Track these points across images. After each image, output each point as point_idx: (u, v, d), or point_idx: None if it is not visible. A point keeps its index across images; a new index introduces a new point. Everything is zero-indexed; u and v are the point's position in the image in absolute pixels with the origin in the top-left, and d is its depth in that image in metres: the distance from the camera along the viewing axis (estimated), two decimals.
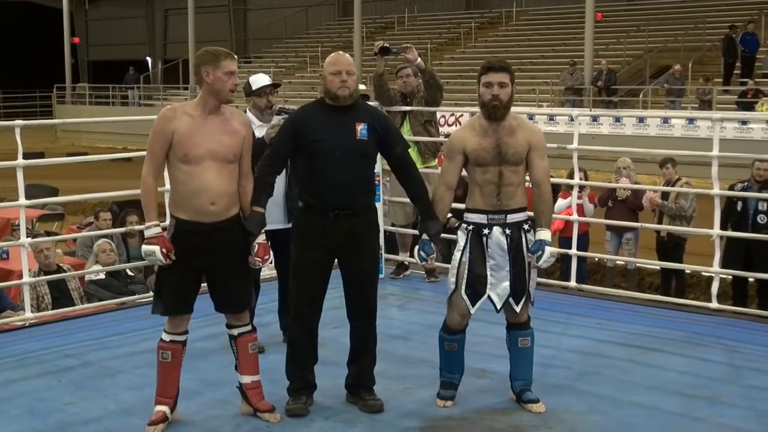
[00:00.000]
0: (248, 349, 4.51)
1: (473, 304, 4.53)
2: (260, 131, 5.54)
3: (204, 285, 4.47)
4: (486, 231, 4.51)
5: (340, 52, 4.66)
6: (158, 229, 4.26)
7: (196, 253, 4.29)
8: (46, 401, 4.81)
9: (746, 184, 8.33)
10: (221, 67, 4.26)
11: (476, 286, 4.51)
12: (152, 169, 4.30)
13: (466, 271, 4.52)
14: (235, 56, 4.41)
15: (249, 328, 4.53)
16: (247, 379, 4.52)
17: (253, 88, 5.65)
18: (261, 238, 4.40)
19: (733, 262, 7.77)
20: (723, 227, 7.77)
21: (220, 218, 4.30)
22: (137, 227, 8.58)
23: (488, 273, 4.52)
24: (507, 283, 4.53)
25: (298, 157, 4.58)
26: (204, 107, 4.30)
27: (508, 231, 4.52)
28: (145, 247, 4.27)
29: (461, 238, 4.56)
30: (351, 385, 4.71)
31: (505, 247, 4.52)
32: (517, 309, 4.58)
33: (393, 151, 4.64)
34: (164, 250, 4.23)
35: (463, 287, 4.52)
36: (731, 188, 8.24)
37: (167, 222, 4.55)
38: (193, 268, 4.33)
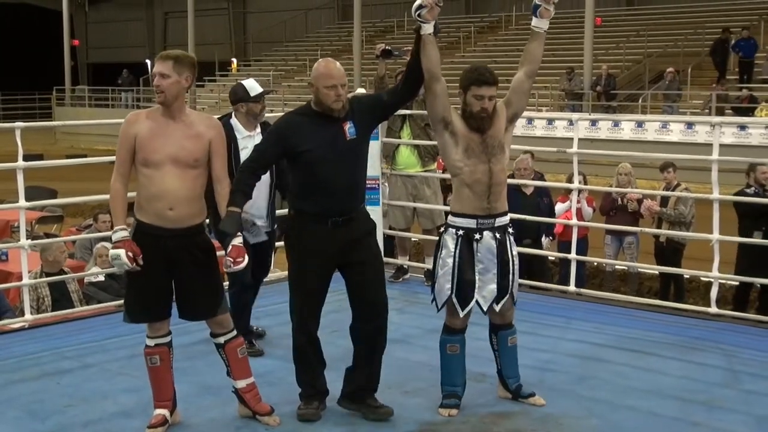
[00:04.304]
0: (238, 354, 4.47)
1: (462, 309, 4.56)
2: (246, 142, 5.45)
3: None
4: (477, 236, 4.53)
5: (330, 60, 4.54)
6: (125, 233, 4.25)
7: (157, 259, 4.26)
8: (45, 403, 4.81)
9: (754, 188, 8.24)
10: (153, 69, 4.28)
11: (466, 291, 4.54)
12: (119, 174, 4.31)
13: (456, 277, 4.53)
14: (166, 56, 4.26)
15: (234, 333, 4.49)
16: (242, 384, 4.50)
17: (252, 94, 5.54)
18: (237, 240, 4.27)
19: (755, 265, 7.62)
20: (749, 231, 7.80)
21: (180, 225, 4.26)
22: None
23: (476, 277, 4.54)
24: (493, 286, 4.56)
25: (290, 167, 4.53)
26: (164, 111, 4.28)
27: (497, 235, 4.56)
28: (111, 251, 4.27)
29: (450, 242, 4.55)
30: (356, 390, 4.62)
31: (495, 251, 4.55)
32: (500, 309, 4.61)
33: (383, 102, 4.66)
34: (130, 254, 4.20)
35: (454, 292, 4.54)
36: (739, 193, 8.21)
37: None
38: (157, 274, 4.29)
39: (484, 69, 4.56)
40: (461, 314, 4.57)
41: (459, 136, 4.49)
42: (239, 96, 5.56)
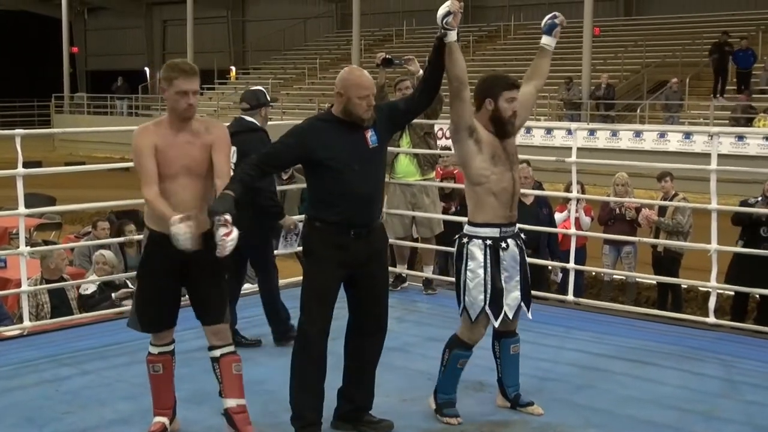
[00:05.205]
0: (232, 370, 4.35)
1: (497, 318, 4.58)
2: None
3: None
4: (503, 245, 4.56)
5: (357, 68, 4.46)
6: (176, 216, 4.04)
7: (171, 267, 4.22)
8: (43, 410, 4.81)
9: (759, 199, 8.31)
10: (173, 86, 4.16)
11: (498, 301, 4.56)
12: (152, 182, 4.18)
13: (489, 287, 4.54)
14: (192, 71, 4.21)
15: (232, 348, 4.39)
16: (232, 403, 4.35)
17: (269, 99, 6.04)
18: (225, 216, 3.99)
19: (743, 275, 7.71)
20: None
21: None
22: (136, 237, 8.62)
23: (504, 286, 4.58)
24: (517, 293, 4.61)
25: (309, 174, 4.42)
26: (172, 123, 4.23)
27: (518, 241, 4.63)
28: (171, 233, 4.03)
29: (478, 253, 4.54)
30: (351, 410, 4.54)
31: (518, 258, 4.60)
32: (529, 315, 4.70)
33: (401, 110, 4.58)
34: (190, 224, 4.00)
35: (488, 303, 4.55)
36: (744, 203, 8.25)
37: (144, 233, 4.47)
38: (170, 281, 4.27)
39: (506, 75, 4.66)
40: (496, 324, 4.59)
41: (484, 144, 4.51)
42: (262, 101, 5.98)
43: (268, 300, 6.04)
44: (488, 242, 4.54)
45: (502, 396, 4.84)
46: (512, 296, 4.59)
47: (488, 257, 4.53)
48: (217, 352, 4.36)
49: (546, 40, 4.85)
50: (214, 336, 4.37)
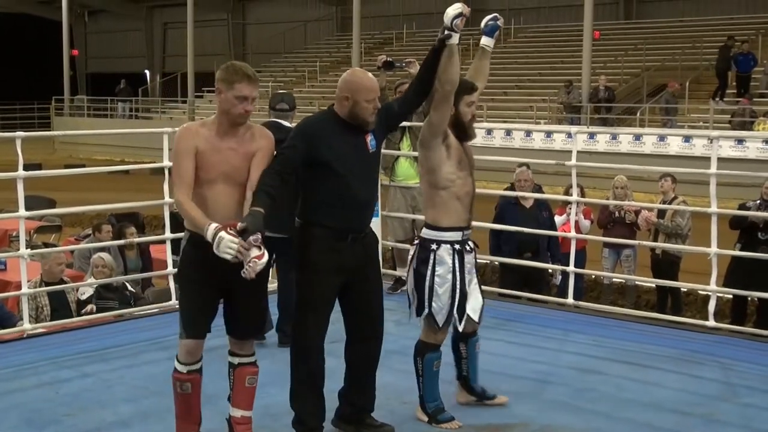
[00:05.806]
0: (245, 382, 4.23)
1: (460, 322, 4.61)
2: None
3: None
4: (467, 248, 4.60)
5: (361, 70, 4.40)
6: (216, 224, 3.89)
7: (210, 271, 4.06)
8: (43, 412, 4.81)
9: (758, 202, 8.34)
10: (234, 89, 4.03)
11: (463, 305, 4.59)
12: (186, 186, 4.03)
13: (458, 292, 4.55)
14: (257, 79, 4.11)
15: (252, 359, 4.27)
16: (237, 413, 4.25)
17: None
18: (255, 236, 3.88)
19: (741, 279, 7.75)
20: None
21: None
22: (136, 240, 8.66)
23: (468, 290, 4.61)
24: (478, 295, 4.66)
25: (309, 175, 4.31)
26: (220, 126, 4.11)
27: (472, 245, 4.68)
28: (218, 240, 3.84)
29: (447, 258, 4.52)
30: (353, 412, 4.53)
31: (473, 261, 4.66)
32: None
33: (395, 112, 4.51)
34: (229, 230, 3.85)
35: (456, 307, 4.56)
36: (742, 206, 8.27)
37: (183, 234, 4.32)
38: (209, 287, 4.13)
39: (464, 79, 4.66)
40: (460, 327, 4.61)
41: (452, 149, 4.53)
42: (294, 104, 6.11)
43: (287, 300, 5.96)
44: (456, 246, 4.55)
45: (467, 392, 4.87)
46: (476, 298, 4.63)
47: (456, 262, 4.53)
48: (235, 360, 4.28)
49: (486, 41, 4.93)
50: (237, 345, 4.28)
